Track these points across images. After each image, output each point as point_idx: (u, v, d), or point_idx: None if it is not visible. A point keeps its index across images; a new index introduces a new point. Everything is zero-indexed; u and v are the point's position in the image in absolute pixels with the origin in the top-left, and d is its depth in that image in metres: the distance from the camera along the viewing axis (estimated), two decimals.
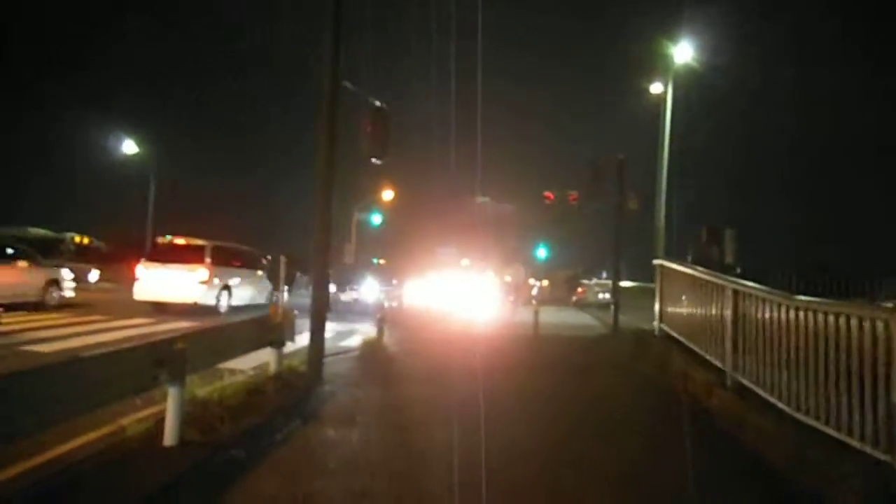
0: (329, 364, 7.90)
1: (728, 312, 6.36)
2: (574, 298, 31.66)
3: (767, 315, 5.52)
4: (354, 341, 10.29)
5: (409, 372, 8.08)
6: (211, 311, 14.33)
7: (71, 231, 34.42)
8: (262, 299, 17.16)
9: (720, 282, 6.64)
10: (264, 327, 6.47)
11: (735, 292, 6.28)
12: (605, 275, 40.70)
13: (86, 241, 35.42)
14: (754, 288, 6.01)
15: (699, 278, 7.24)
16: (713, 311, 6.80)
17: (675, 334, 8.32)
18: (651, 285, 25.35)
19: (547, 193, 35.59)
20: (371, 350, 9.32)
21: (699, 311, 7.27)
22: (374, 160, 8.65)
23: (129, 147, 37.15)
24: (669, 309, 8.78)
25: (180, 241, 15.15)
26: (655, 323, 9.24)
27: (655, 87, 28.58)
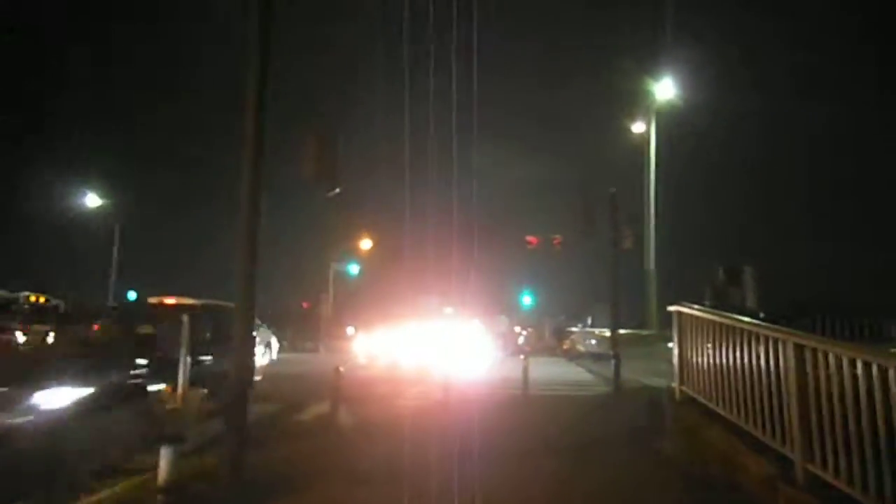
0: (263, 453, 6.02)
1: (790, 375, 4.67)
2: (565, 347, 29.78)
3: (851, 381, 3.91)
4: (307, 416, 8.37)
5: (369, 465, 6.18)
6: None
7: (26, 290, 32.24)
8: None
9: (774, 334, 4.97)
10: (148, 418, 4.60)
11: (799, 347, 4.62)
12: (590, 321, 39.09)
13: (42, 299, 33.22)
14: (830, 343, 4.36)
15: (740, 328, 5.56)
16: (764, 373, 5.10)
17: (703, 400, 6.56)
18: (644, 332, 23.56)
19: (529, 238, 34.25)
20: (323, 431, 7.43)
21: (741, 371, 5.56)
22: (327, 192, 7.06)
23: (92, 200, 35.34)
24: (694, 367, 7.02)
25: (169, 300, 13.95)
26: (674, 384, 7.47)
27: (637, 127, 27.80)
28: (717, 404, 6.09)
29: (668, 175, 25.23)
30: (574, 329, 33.73)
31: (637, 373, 13.91)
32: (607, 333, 27.12)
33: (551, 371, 18.26)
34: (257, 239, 5.80)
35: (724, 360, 5.93)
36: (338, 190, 7.08)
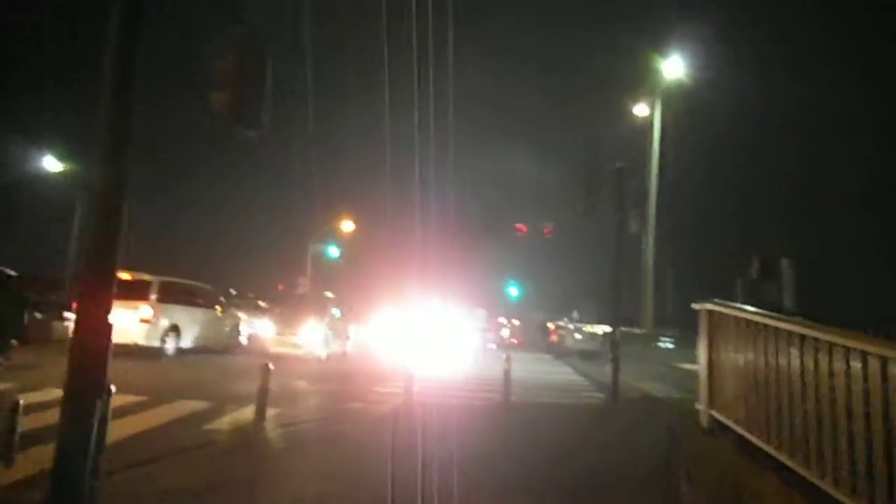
0: (130, 485, 4.25)
1: None
2: (552, 340, 28.13)
3: None
4: (224, 423, 6.55)
5: None
6: (155, 353, 13.23)
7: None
8: (214, 342, 15.70)
9: (867, 347, 3.25)
10: None
11: None
12: (576, 315, 37.43)
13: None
14: None
15: (823, 341, 3.82)
16: (854, 405, 3.39)
17: (744, 432, 4.84)
18: (637, 331, 21.72)
19: (519, 225, 32.47)
20: (234, 449, 5.63)
21: (816, 401, 3.85)
22: (247, 131, 5.16)
23: (51, 164, 32.99)
24: (730, 385, 5.29)
25: (124, 275, 13.44)
26: (700, 406, 5.75)
27: (640, 110, 26.05)
28: (770, 442, 4.38)
29: (675, 162, 23.48)
30: (563, 324, 32.10)
31: (632, 376, 12.25)
32: (597, 330, 25.56)
33: (537, 370, 16.57)
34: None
35: (787, 383, 4.21)
36: (262, 130, 5.18)
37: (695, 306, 5.86)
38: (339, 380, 12.02)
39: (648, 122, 23.39)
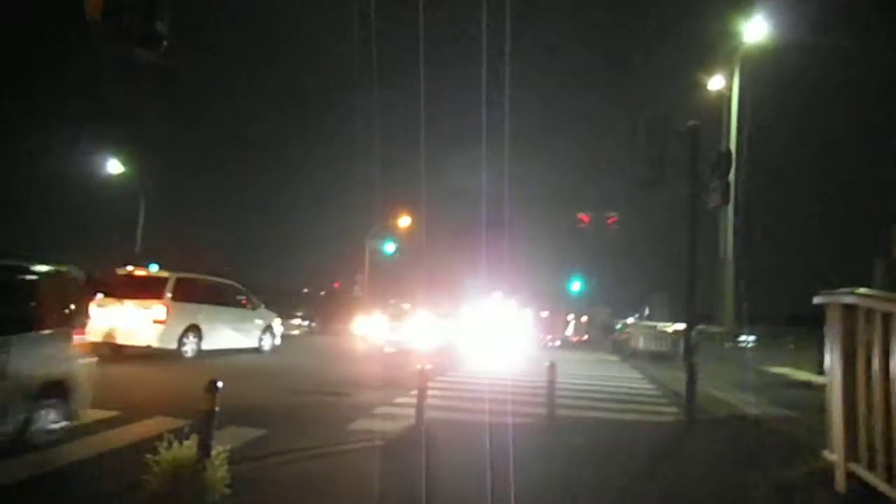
0: None
1: None
2: (622, 338, 25.70)
3: None
4: (171, 456, 5.02)
5: None
6: (172, 356, 12.24)
7: (45, 261, 30.71)
8: (247, 342, 14.72)
9: None
10: None
11: None
12: (646, 311, 34.62)
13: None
14: None
15: None
16: None
17: None
18: (714, 329, 18.99)
19: (581, 215, 30.12)
20: (161, 496, 4.11)
21: None
22: (138, 48, 3.71)
23: (114, 167, 33.35)
24: (885, 427, 3.30)
25: (140, 272, 13.60)
26: (833, 456, 3.77)
27: (715, 83, 23.24)
28: None
29: (753, 144, 20.63)
30: (630, 320, 29.54)
31: (711, 382, 10.10)
32: (670, 328, 23.01)
33: (597, 375, 14.53)
34: None
35: None
36: (160, 45, 3.59)
37: (821, 300, 3.88)
38: (336, 389, 10.49)
39: (724, 95, 20.66)
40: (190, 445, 4.69)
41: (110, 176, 32.95)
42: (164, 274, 12.79)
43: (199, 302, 13.20)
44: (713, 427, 7.34)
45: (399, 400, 8.51)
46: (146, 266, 33.06)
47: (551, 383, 7.31)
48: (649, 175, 7.07)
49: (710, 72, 21.17)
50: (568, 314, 35.71)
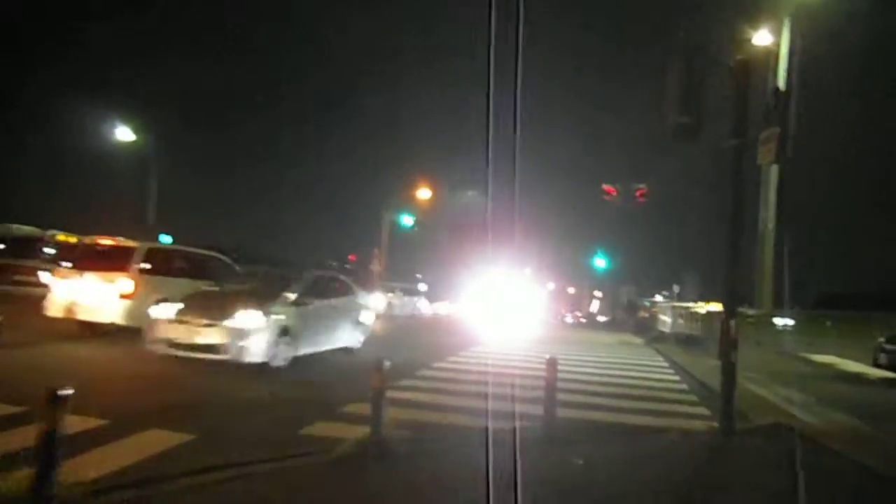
0: None
1: None
2: (643, 316, 24.02)
3: None
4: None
5: None
6: (139, 335, 10.45)
7: (55, 228, 30.19)
8: None
9: None
10: None
11: None
12: (677, 289, 32.48)
13: (72, 239, 31.28)
14: None
15: None
16: None
17: None
18: (750, 312, 17.14)
19: (607, 187, 28.18)
20: None
21: None
22: None
23: (124, 134, 32.36)
24: None
25: (106, 241, 11.91)
26: None
27: (762, 38, 21.01)
28: None
29: (804, 112, 18.41)
30: (658, 298, 27.81)
31: (744, 373, 8.48)
32: (702, 309, 21.24)
33: (617, 362, 13.00)
34: None
35: None
36: None
37: None
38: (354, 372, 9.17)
39: (772, 52, 18.47)
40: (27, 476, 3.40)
41: (119, 144, 32.02)
42: (133, 243, 11.53)
43: (175, 275, 11.98)
44: (756, 442, 5.82)
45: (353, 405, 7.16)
46: (157, 238, 32.30)
47: (550, 384, 5.84)
48: (684, 122, 5.47)
49: (755, 25, 18.93)
50: (594, 291, 34.12)
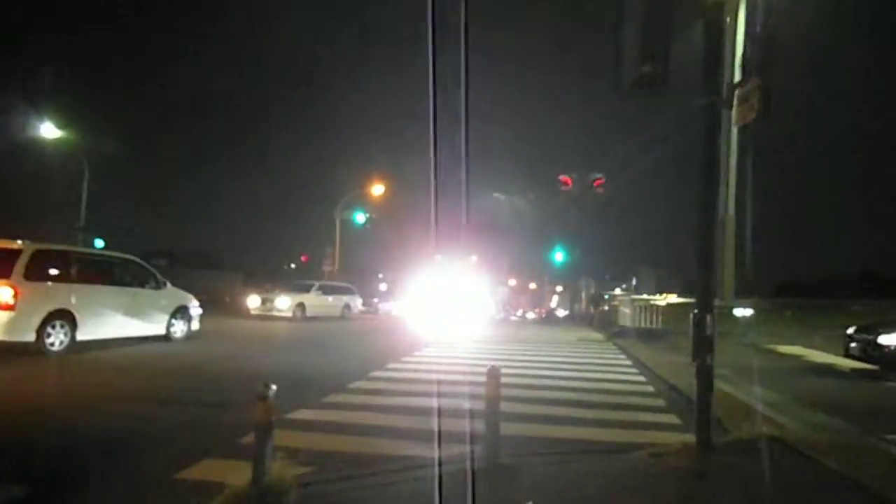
0: None
1: None
2: (602, 309, 23.22)
3: None
4: None
5: None
6: (31, 350, 9.55)
7: None
8: (150, 329, 12.07)
9: None
10: None
11: None
12: (635, 281, 31.81)
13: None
14: None
15: None
16: None
17: None
18: (718, 302, 16.50)
19: (563, 177, 27.32)
20: None
21: None
22: None
23: (48, 130, 29.89)
24: None
25: None
26: None
27: None
28: None
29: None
30: (618, 292, 27.10)
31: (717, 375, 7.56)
32: (661, 302, 20.59)
33: (575, 361, 12.02)
34: None
35: None
36: None
37: None
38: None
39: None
40: None
41: (46, 140, 29.58)
42: (15, 245, 9.91)
43: (72, 282, 10.43)
44: (740, 461, 4.78)
45: (291, 416, 5.87)
46: (91, 242, 29.91)
47: (492, 400, 4.68)
48: (647, 71, 4.38)
49: None
50: (555, 286, 33.30)
